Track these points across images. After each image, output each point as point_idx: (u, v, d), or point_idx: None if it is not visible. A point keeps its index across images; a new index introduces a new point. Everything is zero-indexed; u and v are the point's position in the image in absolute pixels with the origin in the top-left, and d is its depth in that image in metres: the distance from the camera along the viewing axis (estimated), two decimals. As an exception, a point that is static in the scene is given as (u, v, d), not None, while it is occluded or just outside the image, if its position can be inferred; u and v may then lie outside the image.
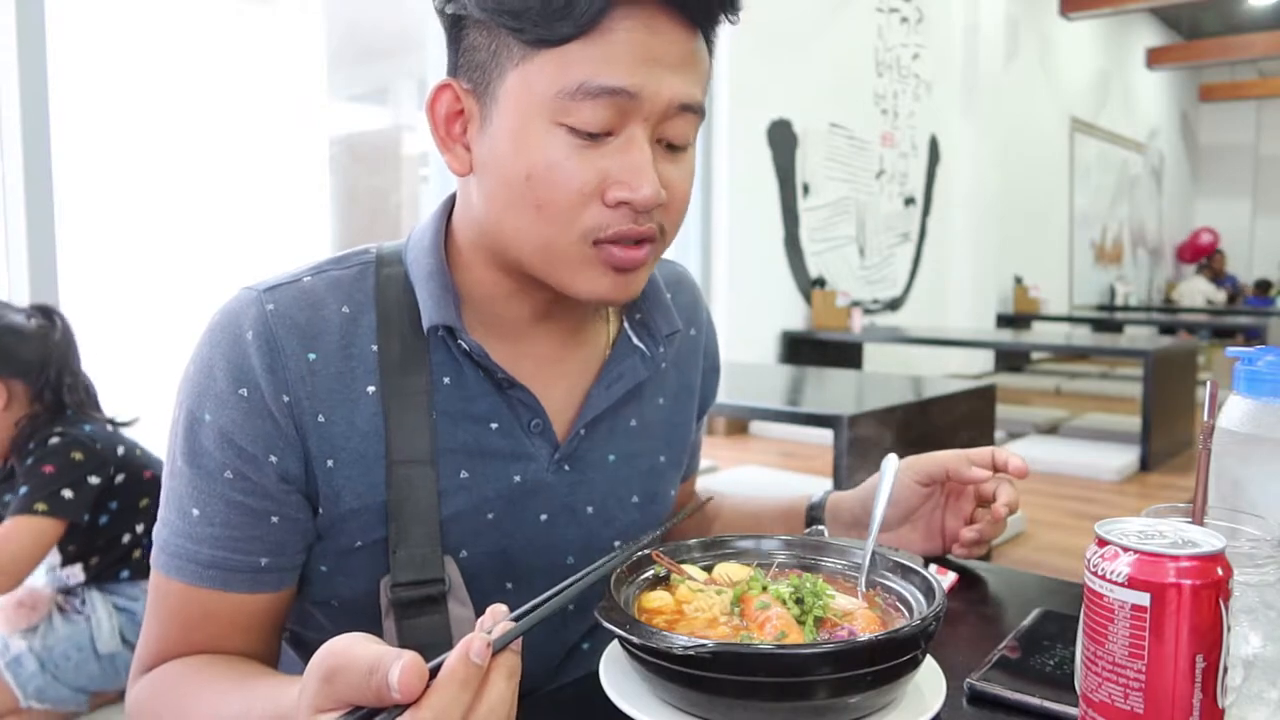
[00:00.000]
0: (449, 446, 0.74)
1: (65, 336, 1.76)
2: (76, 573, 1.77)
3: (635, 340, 0.83)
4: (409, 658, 0.46)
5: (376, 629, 0.69)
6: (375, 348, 0.73)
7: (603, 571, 0.62)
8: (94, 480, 1.66)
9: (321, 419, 0.70)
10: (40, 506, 1.59)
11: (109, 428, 1.76)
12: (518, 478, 0.76)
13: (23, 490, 1.62)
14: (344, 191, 4.21)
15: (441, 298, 0.73)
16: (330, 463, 0.71)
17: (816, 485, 3.52)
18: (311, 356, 0.70)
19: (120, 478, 1.71)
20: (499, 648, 0.49)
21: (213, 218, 3.31)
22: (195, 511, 0.69)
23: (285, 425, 0.69)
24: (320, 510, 0.72)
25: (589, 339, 0.82)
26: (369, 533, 0.72)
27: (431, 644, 0.72)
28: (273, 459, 0.69)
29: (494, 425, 0.76)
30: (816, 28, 5.92)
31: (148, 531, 1.71)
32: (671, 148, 0.70)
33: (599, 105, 0.64)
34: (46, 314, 1.77)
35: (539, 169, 0.66)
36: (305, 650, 0.83)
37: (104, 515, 1.71)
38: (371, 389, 0.72)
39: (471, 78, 0.69)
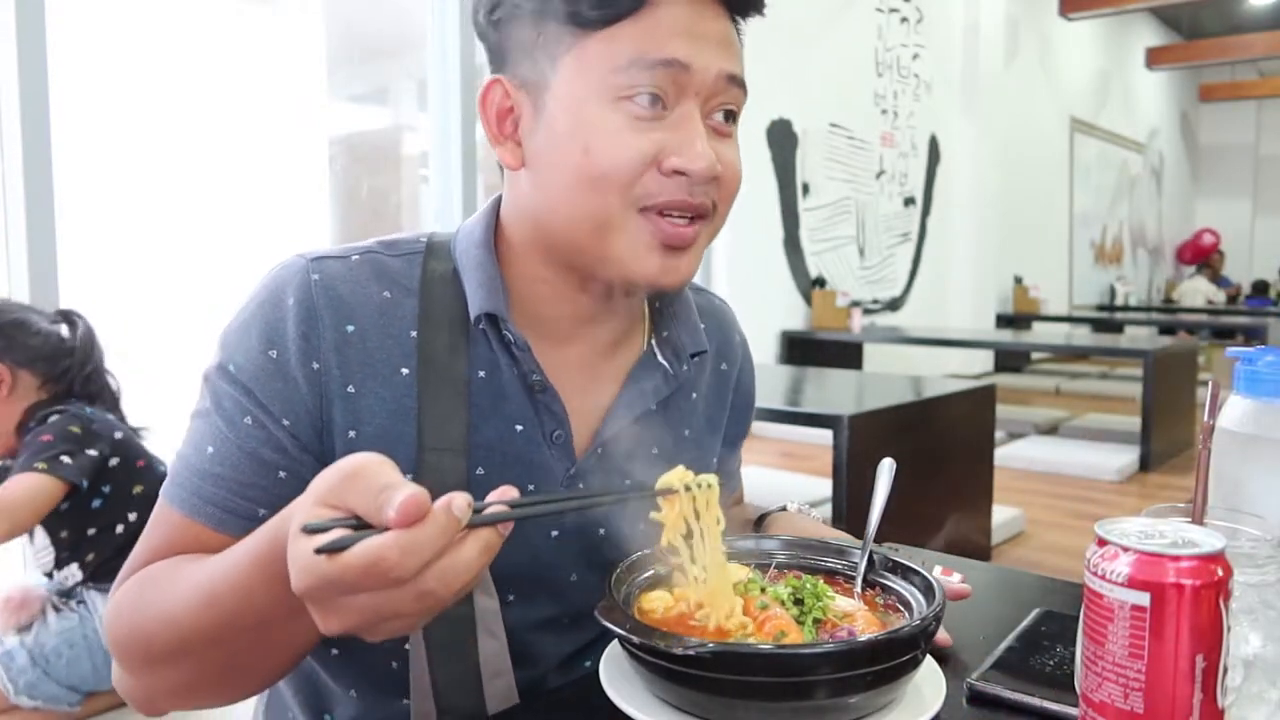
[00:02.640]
0: (474, 440, 0.74)
1: (85, 340, 1.82)
2: (74, 572, 1.77)
3: (659, 357, 0.83)
4: (418, 490, 0.49)
5: None
6: (414, 334, 0.74)
7: (610, 501, 0.64)
8: (91, 453, 1.69)
9: (351, 389, 0.72)
10: (40, 465, 1.63)
11: (110, 418, 1.80)
12: (531, 487, 0.76)
13: (22, 458, 1.66)
14: (344, 191, 4.21)
15: (490, 288, 0.75)
16: (353, 434, 0.72)
17: (816, 485, 3.52)
18: (349, 328, 0.72)
19: (115, 461, 1.74)
20: (479, 524, 0.52)
21: (213, 218, 3.31)
22: (210, 449, 0.71)
23: (308, 392, 0.71)
24: None
25: (623, 352, 0.82)
26: None
27: (457, 638, 0.72)
28: (286, 422, 0.70)
29: (519, 428, 0.76)
30: (816, 28, 5.92)
31: (141, 521, 1.74)
32: (719, 132, 0.72)
33: (654, 77, 0.68)
34: (68, 318, 1.84)
35: (597, 141, 0.68)
36: (322, 643, 0.80)
37: (97, 498, 1.73)
38: (406, 371, 0.73)
39: (520, 73, 0.72)
